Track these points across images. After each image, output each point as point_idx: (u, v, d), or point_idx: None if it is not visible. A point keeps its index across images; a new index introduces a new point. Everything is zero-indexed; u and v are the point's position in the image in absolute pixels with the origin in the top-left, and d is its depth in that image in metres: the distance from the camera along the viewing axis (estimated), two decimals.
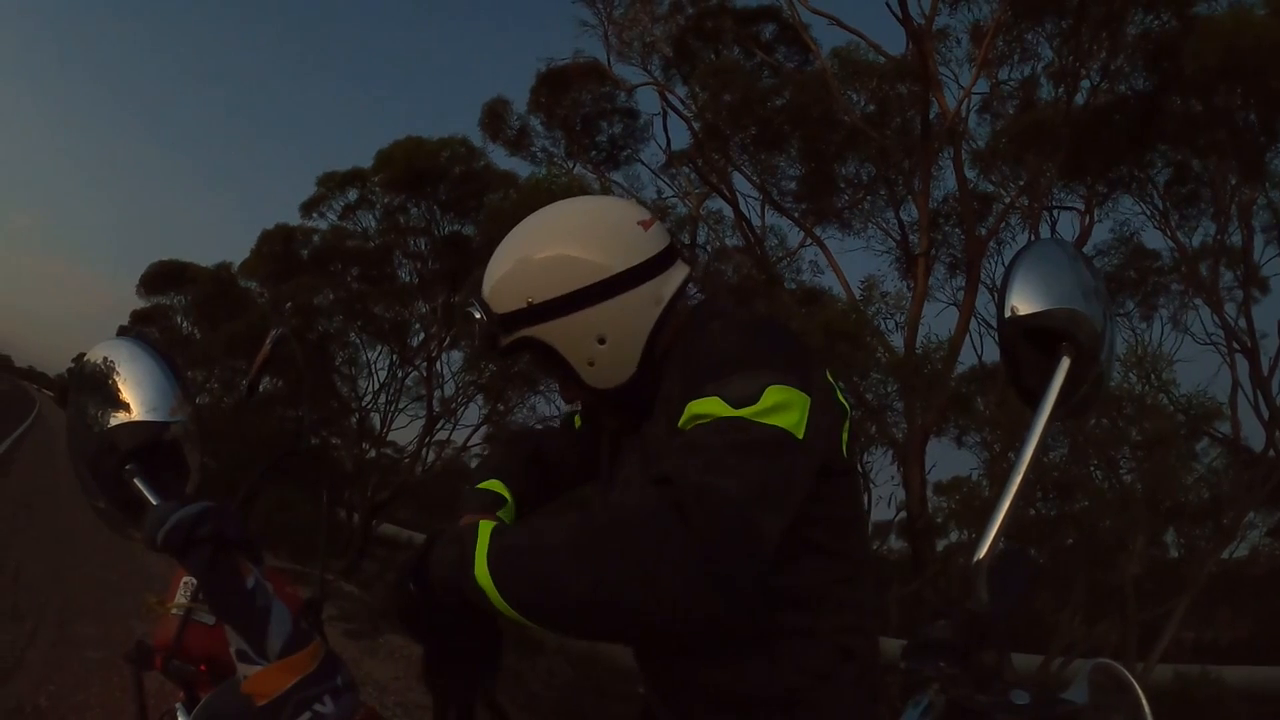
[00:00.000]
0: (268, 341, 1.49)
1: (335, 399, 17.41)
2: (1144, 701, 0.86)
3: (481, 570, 1.15)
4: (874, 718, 1.43)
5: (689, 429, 1.25)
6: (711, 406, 1.23)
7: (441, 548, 1.20)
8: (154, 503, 1.04)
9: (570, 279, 1.44)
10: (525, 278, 1.47)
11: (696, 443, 1.20)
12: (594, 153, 14.55)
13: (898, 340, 10.48)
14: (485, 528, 1.19)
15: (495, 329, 1.50)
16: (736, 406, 1.22)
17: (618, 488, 1.56)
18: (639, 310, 1.48)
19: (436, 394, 16.27)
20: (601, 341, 1.46)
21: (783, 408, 1.23)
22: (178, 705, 1.47)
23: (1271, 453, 9.18)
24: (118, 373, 1.12)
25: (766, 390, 1.23)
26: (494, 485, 1.74)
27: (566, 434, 1.91)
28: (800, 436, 1.23)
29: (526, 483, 1.78)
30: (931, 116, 10.34)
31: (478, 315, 1.51)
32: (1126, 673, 0.89)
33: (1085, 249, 9.99)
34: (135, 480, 1.07)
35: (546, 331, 1.46)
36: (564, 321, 1.45)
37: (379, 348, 17.40)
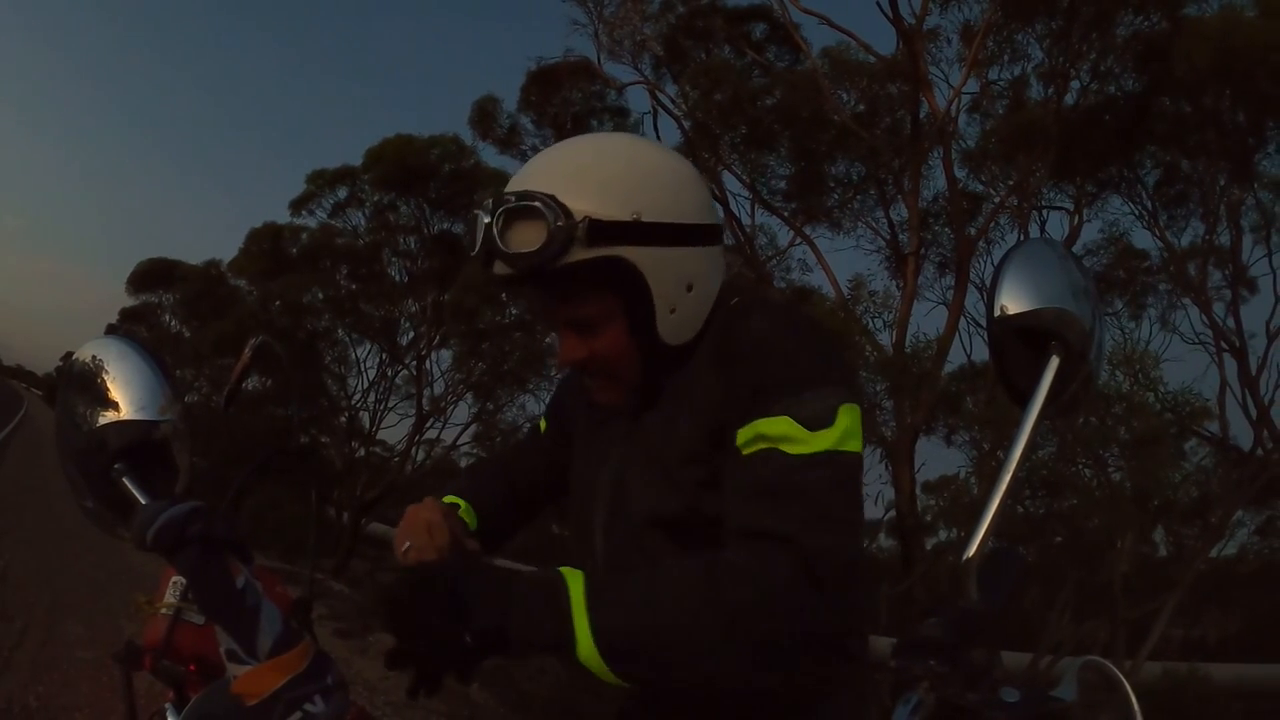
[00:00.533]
0: (247, 350, 1.48)
1: (324, 397, 17.37)
2: (1133, 699, 0.86)
3: (585, 638, 1.06)
4: (865, 717, 1.42)
5: (765, 454, 1.19)
6: (785, 428, 1.18)
7: (524, 600, 1.07)
8: (143, 502, 1.03)
9: (684, 209, 1.30)
10: (636, 188, 1.27)
11: (794, 485, 1.15)
12: None
13: (887, 339, 10.51)
14: (575, 580, 1.10)
15: (573, 236, 1.22)
16: (812, 429, 1.18)
17: (612, 474, 1.45)
18: (718, 271, 1.39)
19: (426, 392, 16.27)
20: (689, 289, 1.32)
21: (853, 430, 1.21)
22: (167, 705, 1.46)
23: (1259, 451, 9.21)
24: (107, 371, 1.11)
25: (839, 412, 1.20)
26: (453, 499, 1.64)
27: (533, 452, 1.79)
28: (861, 452, 1.23)
29: (492, 502, 1.69)
30: (921, 116, 10.36)
31: (549, 216, 1.22)
32: (1115, 670, 0.89)
33: (1074, 249, 10.00)
34: (124, 479, 1.06)
35: (643, 257, 1.27)
36: (662, 253, 1.28)
37: (368, 346, 17.38)
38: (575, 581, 1.09)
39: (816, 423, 1.18)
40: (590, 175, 1.27)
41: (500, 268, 1.26)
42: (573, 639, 1.06)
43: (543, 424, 1.79)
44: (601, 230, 1.23)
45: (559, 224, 1.21)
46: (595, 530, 1.47)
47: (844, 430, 1.19)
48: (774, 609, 1.08)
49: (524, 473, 1.77)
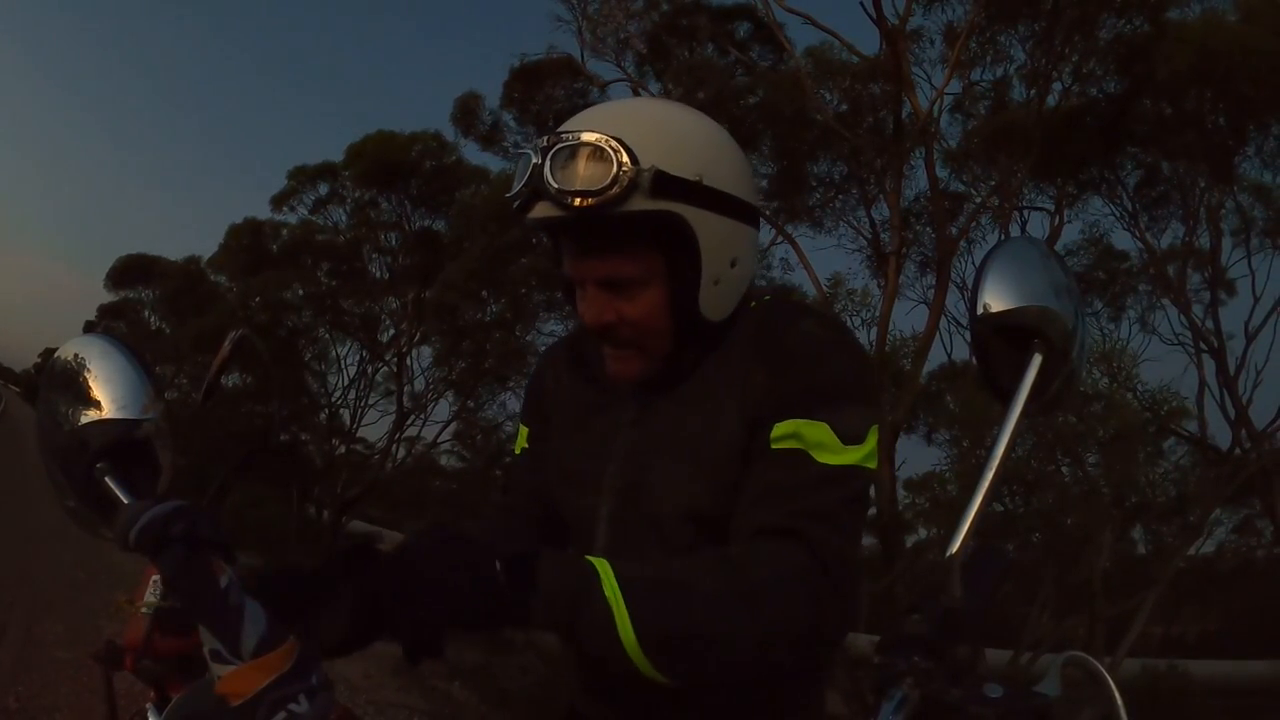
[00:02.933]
0: (226, 343, 1.46)
1: (304, 394, 17.31)
2: (1116, 694, 0.86)
3: (619, 607, 1.03)
4: (822, 706, 1.44)
5: (796, 455, 1.21)
6: (822, 435, 1.20)
7: (547, 571, 1.03)
8: (125, 501, 1.02)
9: (740, 184, 1.28)
10: (701, 151, 1.24)
11: (817, 492, 1.19)
12: None
13: (865, 337, 10.53)
14: (601, 562, 1.06)
15: (637, 183, 1.18)
16: (845, 442, 1.21)
17: (623, 465, 1.36)
18: (755, 257, 1.37)
19: (406, 390, 16.23)
20: (733, 265, 1.29)
21: (874, 450, 1.24)
22: (149, 705, 1.45)
23: (1237, 450, 9.30)
24: (88, 370, 1.10)
25: (871, 431, 1.24)
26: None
27: (527, 490, 1.56)
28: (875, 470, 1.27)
29: None
30: (904, 116, 10.40)
31: (614, 158, 1.17)
32: (1098, 665, 0.90)
33: (1055, 249, 10.05)
34: (106, 479, 1.05)
35: (700, 221, 1.23)
36: (717, 220, 1.25)
37: (349, 343, 17.33)
38: (602, 563, 1.06)
39: (851, 437, 1.21)
40: (661, 128, 1.23)
41: (545, 210, 1.21)
42: (605, 602, 1.03)
43: (521, 439, 1.60)
44: (666, 183, 1.19)
45: (624, 168, 1.17)
46: (598, 522, 1.39)
47: (870, 449, 1.23)
48: (794, 593, 1.11)
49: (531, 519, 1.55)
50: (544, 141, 1.21)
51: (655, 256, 1.26)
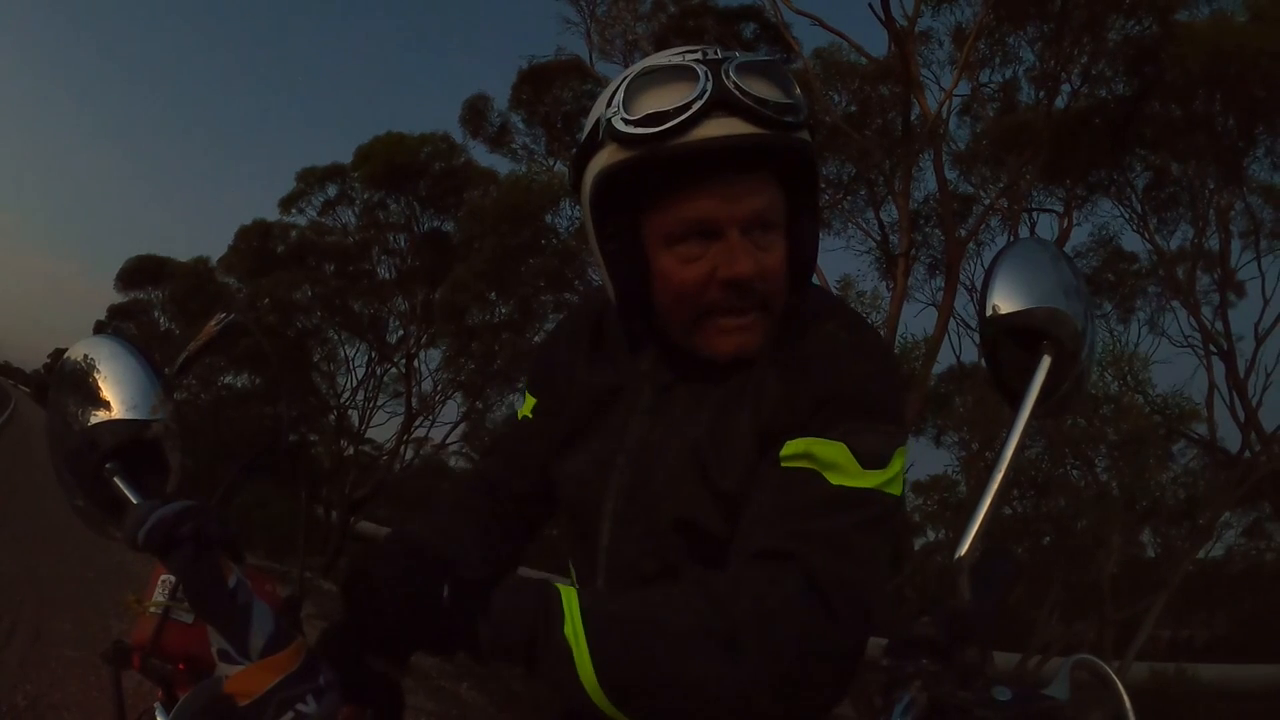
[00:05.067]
0: (214, 322, 1.42)
1: (313, 395, 17.35)
2: (1125, 697, 0.86)
3: (579, 643, 0.97)
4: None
5: (806, 475, 1.10)
6: (838, 456, 1.09)
7: (502, 600, 0.98)
8: (134, 501, 1.03)
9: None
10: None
11: (825, 516, 1.07)
12: (575, 150, 14.56)
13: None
14: (568, 591, 1.01)
15: (807, 108, 1.12)
16: (865, 465, 1.09)
17: (632, 457, 1.26)
18: None
19: (415, 391, 16.25)
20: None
21: (901, 474, 1.14)
22: (156, 705, 1.46)
23: (1247, 453, 9.26)
24: (98, 371, 1.10)
25: (897, 453, 1.13)
26: None
27: (518, 455, 1.46)
28: (901, 495, 1.16)
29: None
30: (913, 118, 10.37)
31: (791, 80, 1.11)
32: (1107, 668, 0.89)
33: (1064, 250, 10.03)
34: (115, 479, 1.05)
35: (811, 174, 1.18)
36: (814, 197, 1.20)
37: (357, 344, 17.36)
38: (569, 593, 1.01)
39: (872, 461, 1.10)
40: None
41: (725, 126, 1.07)
42: (559, 628, 0.98)
43: (525, 408, 1.48)
44: (813, 126, 1.14)
45: (799, 93, 1.11)
46: (602, 519, 1.29)
47: (895, 474, 1.13)
48: (779, 634, 1.00)
49: (507, 493, 1.45)
50: (710, 53, 1.11)
51: (783, 198, 1.17)
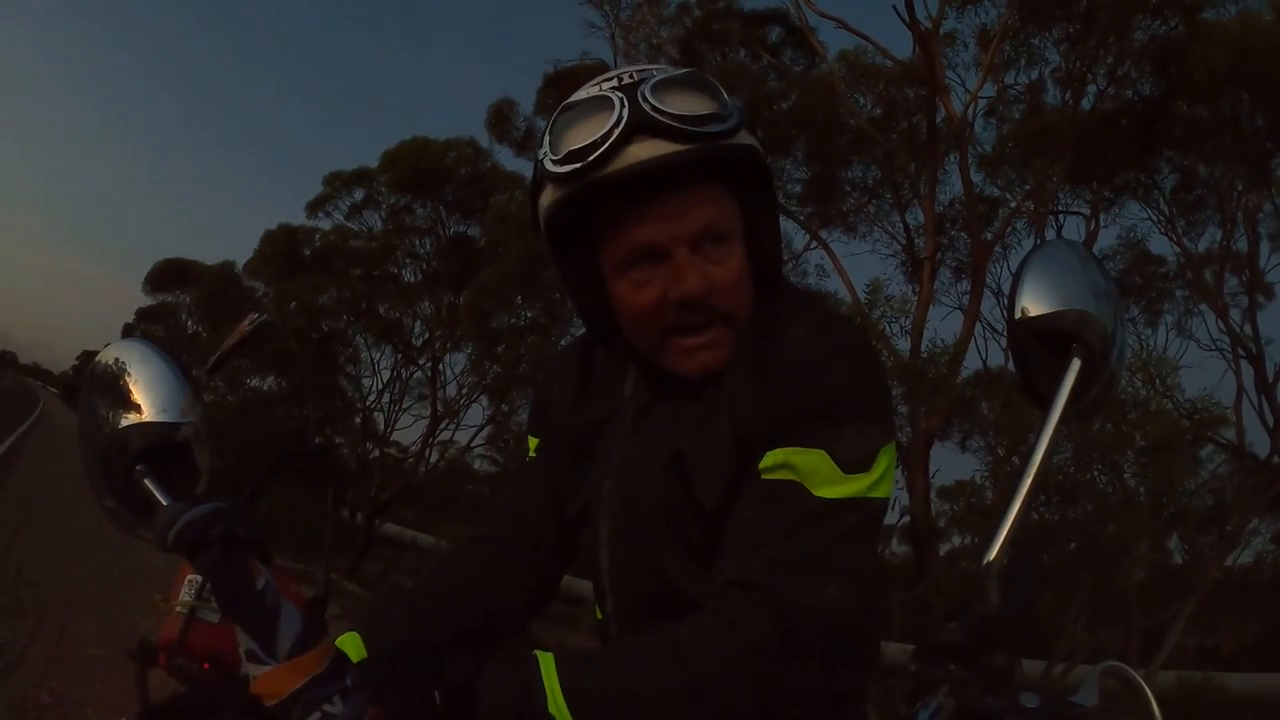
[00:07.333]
0: (246, 323, 1.43)
1: (339, 398, 17.42)
2: (1154, 704, 0.85)
3: (557, 698, 0.98)
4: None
5: (786, 487, 1.08)
6: (819, 464, 1.07)
7: (488, 693, 0.97)
8: (164, 503, 1.04)
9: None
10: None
11: (805, 531, 1.06)
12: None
13: (902, 344, 10.47)
14: (547, 660, 1.01)
15: (740, 114, 1.12)
16: (847, 471, 1.07)
17: (616, 478, 1.27)
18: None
19: (440, 394, 16.28)
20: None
21: (888, 474, 1.12)
22: None
23: (1276, 459, 9.15)
24: (129, 374, 1.12)
25: (881, 453, 1.10)
26: (349, 641, 1.31)
27: (535, 495, 1.44)
28: (889, 497, 1.14)
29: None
30: (938, 120, 10.33)
31: (717, 89, 1.12)
32: (1136, 675, 0.89)
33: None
34: (145, 480, 1.07)
35: (761, 176, 1.17)
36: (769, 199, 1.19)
37: (383, 348, 17.41)
38: (547, 655, 1.02)
39: (854, 465, 1.08)
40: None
41: (648, 149, 1.07)
42: (544, 704, 0.98)
43: (530, 448, 1.49)
44: (751, 125, 1.13)
45: (727, 98, 1.10)
46: (600, 544, 1.30)
47: (879, 474, 1.10)
48: (739, 679, 1.01)
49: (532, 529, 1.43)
50: (626, 78, 1.12)
51: (739, 208, 1.17)
